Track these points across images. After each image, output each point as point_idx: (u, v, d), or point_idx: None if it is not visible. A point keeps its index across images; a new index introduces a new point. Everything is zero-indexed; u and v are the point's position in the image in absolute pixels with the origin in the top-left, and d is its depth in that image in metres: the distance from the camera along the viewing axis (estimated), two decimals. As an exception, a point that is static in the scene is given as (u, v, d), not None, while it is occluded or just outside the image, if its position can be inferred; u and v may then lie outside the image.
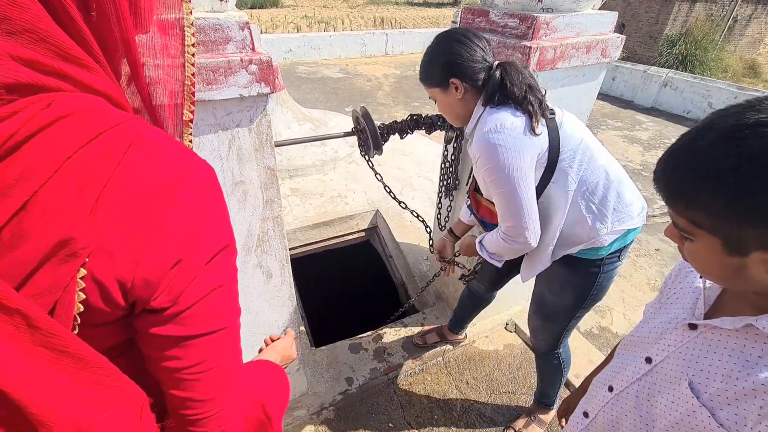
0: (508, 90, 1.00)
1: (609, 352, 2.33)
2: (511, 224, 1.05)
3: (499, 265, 1.22)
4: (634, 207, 1.09)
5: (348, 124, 3.49)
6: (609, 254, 1.12)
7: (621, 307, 2.61)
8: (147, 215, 0.35)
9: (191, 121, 0.54)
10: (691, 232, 0.49)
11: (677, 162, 0.47)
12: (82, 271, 0.32)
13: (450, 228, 1.54)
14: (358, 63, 9.69)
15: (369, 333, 2.01)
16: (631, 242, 1.15)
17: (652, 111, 6.80)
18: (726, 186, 0.42)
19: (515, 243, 1.08)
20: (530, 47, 1.20)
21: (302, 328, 1.67)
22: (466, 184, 1.32)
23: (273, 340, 0.88)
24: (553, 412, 1.64)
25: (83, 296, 0.33)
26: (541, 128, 1.00)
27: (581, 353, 1.94)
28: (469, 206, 1.39)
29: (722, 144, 0.42)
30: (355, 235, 2.53)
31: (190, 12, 0.49)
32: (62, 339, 0.30)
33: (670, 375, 0.58)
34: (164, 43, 0.48)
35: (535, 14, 1.22)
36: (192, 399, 0.42)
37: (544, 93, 1.05)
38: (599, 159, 1.07)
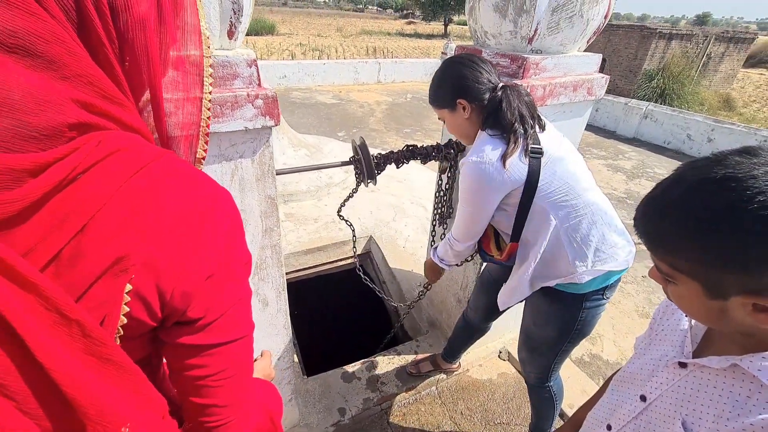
0: (501, 114, 1.04)
1: (602, 383, 2.33)
2: (460, 232, 1.22)
3: (447, 268, 1.40)
4: (620, 250, 1.10)
5: (342, 150, 3.55)
6: (592, 291, 1.13)
7: (611, 335, 2.63)
8: (187, 234, 0.39)
9: (203, 158, 0.57)
10: (673, 276, 0.50)
11: (654, 211, 0.50)
12: (128, 286, 0.36)
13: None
14: (351, 90, 9.94)
15: (362, 361, 1.98)
16: (615, 283, 1.15)
17: (633, 141, 7.07)
18: (701, 235, 0.44)
19: (456, 245, 1.26)
20: (522, 85, 1.26)
21: (295, 358, 1.64)
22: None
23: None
24: (548, 445, 1.62)
25: (127, 309, 0.36)
26: (517, 164, 1.02)
27: (574, 382, 1.94)
28: None
29: (694, 196, 0.45)
30: (349, 261, 2.53)
31: (210, 56, 0.52)
32: (109, 348, 0.34)
33: (664, 414, 0.59)
34: (184, 82, 0.51)
35: (525, 55, 1.29)
36: (214, 405, 0.45)
37: (543, 123, 1.10)
38: (588, 197, 1.08)
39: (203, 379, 0.43)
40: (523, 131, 1.04)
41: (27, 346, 0.28)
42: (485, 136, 1.07)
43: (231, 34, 0.88)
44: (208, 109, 0.53)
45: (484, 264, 1.74)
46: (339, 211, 1.58)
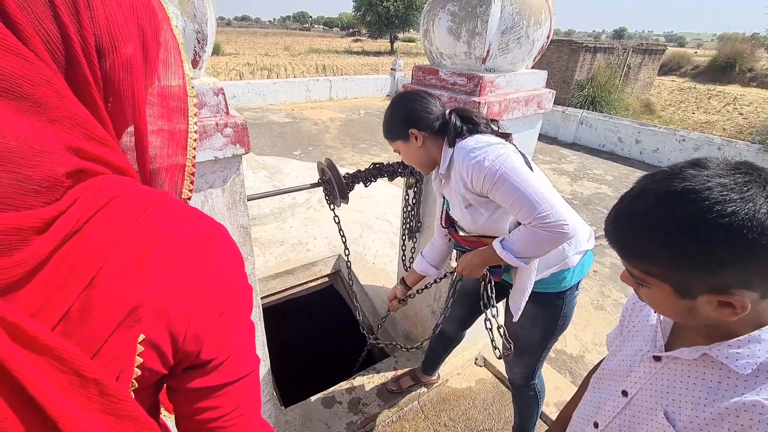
0: (474, 123, 1.10)
1: (568, 377, 2.41)
2: (535, 214, 0.94)
3: (526, 266, 1.07)
4: (586, 230, 1.21)
5: (302, 170, 3.51)
6: (570, 287, 1.21)
7: (572, 329, 2.77)
8: (193, 272, 0.38)
9: (189, 198, 0.54)
10: (645, 280, 0.55)
11: (622, 222, 0.54)
12: (141, 336, 0.34)
13: (402, 278, 1.59)
14: (304, 108, 9.90)
15: (341, 384, 1.94)
16: (587, 273, 1.26)
17: (573, 146, 7.63)
18: (669, 243, 0.49)
19: (549, 232, 0.95)
20: (479, 102, 1.33)
21: (273, 392, 1.57)
22: (442, 223, 1.35)
23: None
24: (530, 445, 1.66)
25: (140, 360, 0.35)
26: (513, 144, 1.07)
27: (546, 379, 2.01)
28: (423, 253, 1.48)
29: (659, 208, 0.49)
30: (319, 281, 2.48)
31: (194, 95, 0.51)
32: (127, 404, 0.32)
33: (646, 406, 0.62)
34: (168, 119, 0.50)
35: (480, 74, 1.37)
36: None
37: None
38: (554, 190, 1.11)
39: (216, 421, 0.42)
40: (498, 127, 1.12)
41: (46, 413, 0.27)
42: (462, 141, 1.07)
43: (195, 63, 0.86)
44: (194, 149, 0.51)
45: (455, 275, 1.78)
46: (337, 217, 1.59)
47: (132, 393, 0.36)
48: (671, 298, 0.53)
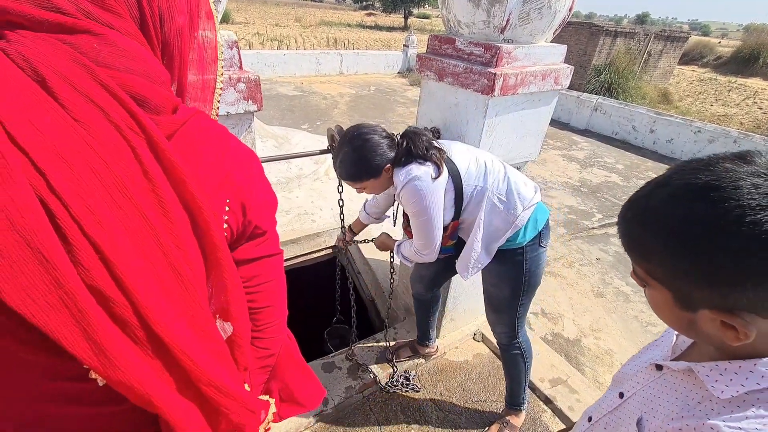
0: (414, 152, 1.23)
1: (564, 359, 2.43)
2: (423, 242, 1.31)
3: (409, 264, 1.50)
4: (530, 186, 1.34)
5: (311, 141, 3.48)
6: (529, 242, 1.32)
7: (570, 314, 2.80)
8: (251, 165, 0.54)
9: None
10: (646, 281, 0.50)
11: (633, 214, 0.49)
12: (227, 200, 0.49)
13: (349, 225, 1.83)
14: (313, 81, 9.75)
15: (341, 351, 1.99)
16: (544, 229, 1.35)
17: (585, 132, 7.49)
18: (674, 245, 0.43)
19: (422, 255, 1.36)
20: (495, 74, 1.30)
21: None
22: (402, 224, 1.56)
23: None
24: (523, 415, 1.71)
25: (226, 217, 0.49)
26: (444, 168, 1.24)
27: (543, 357, 2.06)
28: (366, 207, 1.73)
29: (673, 204, 0.43)
30: (323, 253, 2.51)
31: (222, 52, 0.61)
32: (220, 251, 0.47)
33: (631, 411, 0.61)
34: (203, 72, 0.60)
35: (498, 44, 1.33)
36: (261, 307, 0.58)
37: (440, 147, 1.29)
38: (493, 165, 1.31)
39: (256, 286, 0.56)
40: (437, 151, 1.25)
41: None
42: (400, 168, 1.24)
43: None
44: (218, 100, 0.60)
45: None
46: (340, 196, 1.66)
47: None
48: (671, 307, 0.48)
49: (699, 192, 0.41)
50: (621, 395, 0.65)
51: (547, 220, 1.37)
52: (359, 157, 1.23)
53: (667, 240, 0.43)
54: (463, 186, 1.28)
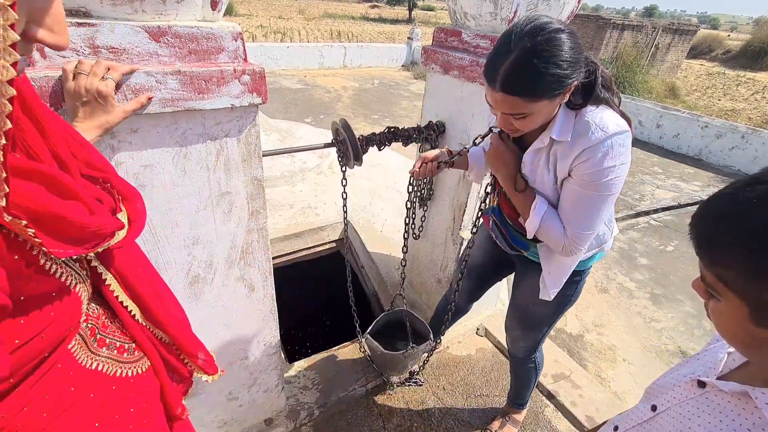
0: (599, 92, 0.88)
1: (567, 354, 2.42)
2: (580, 231, 0.94)
3: (530, 235, 1.03)
4: (613, 216, 1.18)
5: (315, 135, 3.47)
6: (590, 265, 1.20)
7: (573, 309, 2.79)
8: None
9: None
10: (717, 290, 0.43)
11: (715, 210, 0.42)
12: None
13: (450, 150, 1.28)
14: (317, 75, 9.70)
15: (345, 344, 2.00)
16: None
17: (591, 127, 7.42)
18: (758, 249, 0.37)
19: (571, 249, 0.97)
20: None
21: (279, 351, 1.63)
22: (491, 190, 1.23)
23: None
24: (525, 412, 1.72)
25: None
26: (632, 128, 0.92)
27: (546, 353, 2.04)
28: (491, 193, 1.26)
29: (764, 203, 0.38)
30: (326, 246, 2.51)
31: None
32: None
33: (662, 426, 0.57)
34: None
35: (505, 37, 1.31)
36: None
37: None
38: None
39: None
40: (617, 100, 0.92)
41: None
42: (594, 109, 0.88)
43: (215, 5, 0.84)
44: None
45: (463, 246, 1.78)
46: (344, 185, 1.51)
47: None
48: (742, 322, 0.42)
49: None
50: (654, 408, 0.60)
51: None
52: (551, 57, 0.78)
53: (753, 242, 0.38)
54: None
